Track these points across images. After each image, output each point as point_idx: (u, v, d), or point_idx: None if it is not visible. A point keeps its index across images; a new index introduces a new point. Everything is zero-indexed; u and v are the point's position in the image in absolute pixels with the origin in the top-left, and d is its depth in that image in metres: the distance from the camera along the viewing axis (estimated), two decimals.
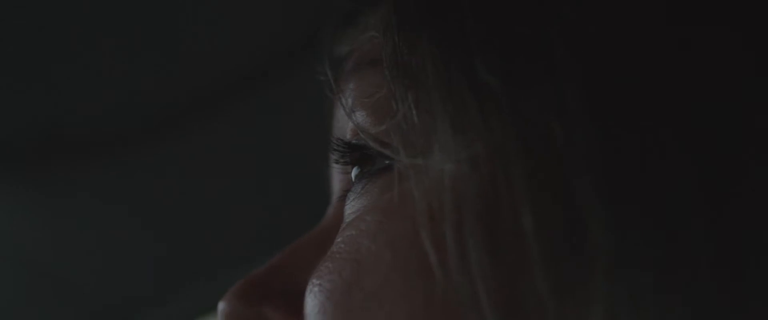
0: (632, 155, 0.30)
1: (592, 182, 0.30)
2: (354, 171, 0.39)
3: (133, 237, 0.82)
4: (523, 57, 0.32)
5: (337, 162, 0.40)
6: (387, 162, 0.37)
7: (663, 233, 0.29)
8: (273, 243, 0.81)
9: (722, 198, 0.30)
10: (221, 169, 0.79)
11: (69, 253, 0.82)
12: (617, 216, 0.30)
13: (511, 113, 0.32)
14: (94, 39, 0.67)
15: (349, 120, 0.38)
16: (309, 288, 0.37)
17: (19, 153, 0.75)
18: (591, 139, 0.31)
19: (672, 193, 0.30)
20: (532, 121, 0.31)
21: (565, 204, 0.30)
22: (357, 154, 0.39)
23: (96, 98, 0.72)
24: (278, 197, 0.81)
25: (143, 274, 0.85)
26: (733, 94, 0.30)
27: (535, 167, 0.31)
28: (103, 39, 0.67)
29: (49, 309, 0.84)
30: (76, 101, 0.72)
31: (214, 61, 0.70)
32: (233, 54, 0.69)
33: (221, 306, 0.40)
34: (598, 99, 0.31)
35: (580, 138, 0.30)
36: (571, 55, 0.31)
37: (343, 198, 0.40)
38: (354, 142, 0.39)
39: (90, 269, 0.83)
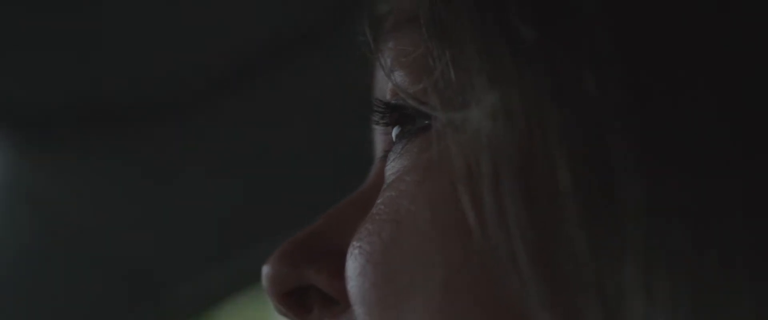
0: (665, 104, 0.30)
1: (625, 132, 0.30)
2: (394, 132, 0.39)
3: (170, 205, 0.84)
4: (557, 8, 0.32)
5: (377, 122, 0.40)
6: (426, 121, 0.37)
7: (697, 183, 0.29)
8: (302, 215, 0.82)
9: (757, 148, 0.29)
10: (258, 139, 0.80)
11: (106, 218, 0.84)
12: (651, 166, 0.30)
13: (545, 65, 0.32)
14: (132, 12, 0.68)
15: (388, 80, 0.38)
16: (350, 250, 0.37)
17: (58, 120, 0.77)
18: (624, 88, 0.30)
19: (706, 143, 0.29)
20: (566, 72, 0.31)
21: (600, 155, 0.30)
22: (396, 113, 0.39)
23: (133, 69, 0.73)
24: (310, 167, 0.82)
25: (180, 242, 0.86)
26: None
27: (569, 119, 0.31)
28: (139, 13, 0.68)
29: (87, 273, 0.86)
30: (114, 71, 0.73)
31: (249, 32, 0.70)
32: (267, 24, 0.70)
33: (265, 269, 0.40)
34: (630, 48, 0.31)
35: (613, 88, 0.30)
36: (603, 5, 0.31)
37: (384, 158, 0.40)
38: (393, 102, 0.39)
39: (126, 234, 0.85)
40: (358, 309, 0.36)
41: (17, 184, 0.81)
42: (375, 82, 0.42)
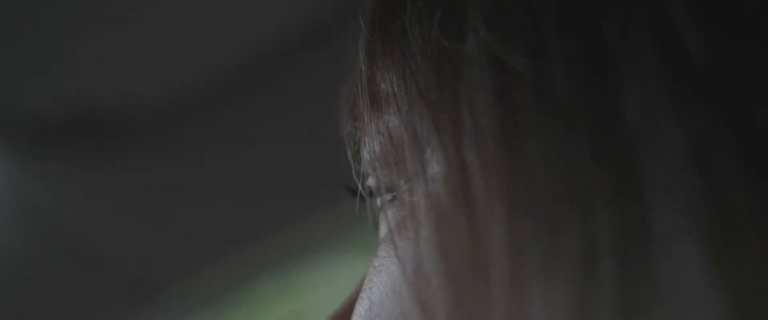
0: None
1: None
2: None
3: (165, 209, 0.84)
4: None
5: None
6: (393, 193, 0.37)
7: None
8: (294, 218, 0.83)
9: None
10: (252, 144, 0.80)
11: (102, 227, 0.84)
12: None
13: None
14: (131, 18, 0.67)
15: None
16: None
17: (53, 127, 0.76)
18: None
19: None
20: None
21: None
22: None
23: (131, 78, 0.73)
24: (314, 175, 0.82)
25: (173, 249, 0.86)
26: None
27: None
28: (138, 19, 0.67)
29: (82, 281, 0.86)
30: (110, 79, 0.73)
31: (245, 40, 0.70)
32: (265, 32, 0.69)
33: None
34: None
35: None
36: None
37: None
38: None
39: (122, 243, 0.85)
40: None
41: (13, 190, 0.81)
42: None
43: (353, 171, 0.38)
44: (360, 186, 0.37)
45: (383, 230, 0.36)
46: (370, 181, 0.37)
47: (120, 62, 0.73)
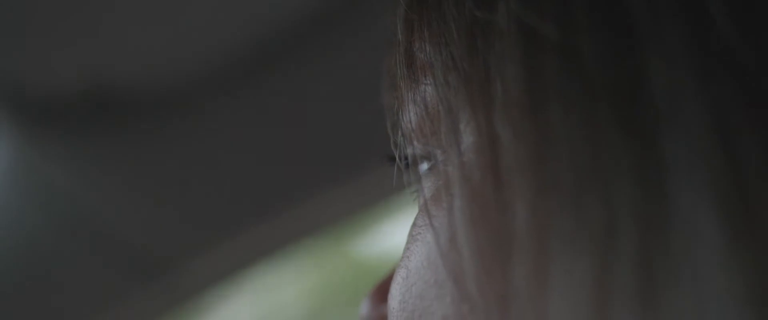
0: None
1: None
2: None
3: (175, 185, 0.85)
4: None
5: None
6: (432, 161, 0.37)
7: None
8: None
9: None
10: (263, 124, 0.80)
11: (111, 200, 0.85)
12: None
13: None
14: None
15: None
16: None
17: (63, 105, 0.77)
18: None
19: None
20: None
21: None
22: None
23: (144, 55, 0.74)
24: (313, 151, 0.82)
25: (184, 226, 0.87)
26: None
27: None
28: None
29: (93, 255, 0.88)
30: (121, 57, 0.74)
31: (256, 23, 0.70)
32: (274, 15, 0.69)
33: (361, 313, 0.42)
34: None
35: None
36: None
37: None
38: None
39: (133, 221, 0.86)
40: None
41: (23, 168, 0.83)
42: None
43: (392, 142, 0.38)
44: (397, 156, 0.37)
45: (420, 199, 0.36)
46: (408, 151, 0.37)
47: (133, 39, 0.73)
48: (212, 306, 1.01)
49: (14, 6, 0.67)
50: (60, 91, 0.76)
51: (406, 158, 0.38)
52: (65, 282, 0.88)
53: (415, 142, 0.36)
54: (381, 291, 0.41)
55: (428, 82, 0.35)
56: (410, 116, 0.36)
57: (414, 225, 0.37)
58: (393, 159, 0.38)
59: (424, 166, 0.37)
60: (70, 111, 0.78)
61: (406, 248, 0.37)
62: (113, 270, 0.89)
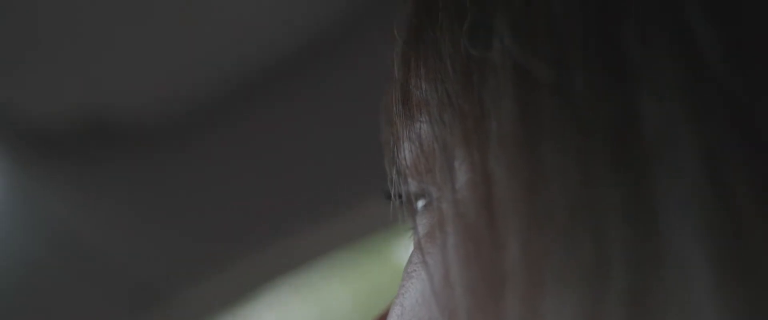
0: None
1: None
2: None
3: (171, 216, 0.85)
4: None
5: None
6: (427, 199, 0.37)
7: None
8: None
9: None
10: (258, 151, 0.80)
11: (107, 229, 0.85)
12: None
13: None
14: (139, 30, 0.68)
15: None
16: None
17: (60, 132, 0.78)
18: None
19: None
20: None
21: None
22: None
23: (139, 83, 0.74)
24: (311, 178, 0.82)
25: (180, 253, 0.87)
26: None
27: None
28: (147, 30, 0.68)
29: (88, 283, 0.87)
30: (117, 85, 0.74)
31: (252, 50, 0.70)
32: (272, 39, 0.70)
33: None
34: None
35: None
36: None
37: None
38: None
39: (127, 249, 0.85)
40: None
41: (19, 195, 0.83)
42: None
43: (388, 178, 0.38)
44: (392, 192, 0.37)
45: (415, 236, 0.36)
46: (404, 187, 0.37)
47: (129, 70, 0.74)
48: None
49: (13, 37, 0.68)
50: (57, 120, 0.77)
51: (401, 196, 0.38)
52: (58, 309, 0.88)
53: (410, 179, 0.36)
54: None
55: (424, 119, 0.35)
56: (405, 153, 0.36)
57: (409, 262, 0.37)
58: (390, 196, 0.38)
59: (420, 204, 0.37)
60: (65, 140, 0.78)
61: (402, 285, 0.37)
62: (107, 298, 0.88)
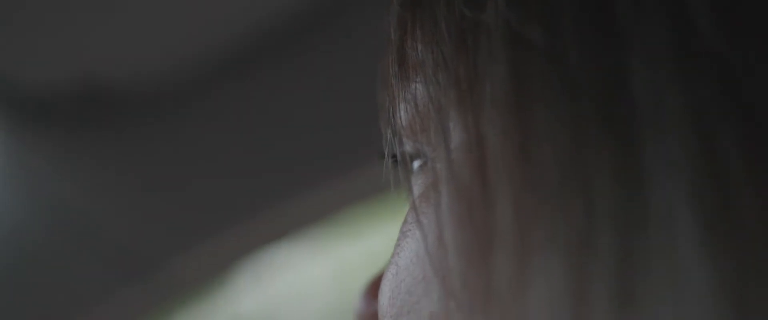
0: None
1: None
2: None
3: (160, 184, 0.85)
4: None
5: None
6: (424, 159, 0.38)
7: None
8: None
9: None
10: (247, 123, 0.81)
11: (96, 198, 0.85)
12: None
13: None
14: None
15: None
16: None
17: (53, 102, 0.77)
18: None
19: None
20: None
21: None
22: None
23: (136, 52, 0.74)
24: (298, 149, 0.82)
25: (175, 223, 0.87)
26: None
27: None
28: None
29: (78, 252, 0.88)
30: (112, 54, 0.74)
31: (247, 21, 0.70)
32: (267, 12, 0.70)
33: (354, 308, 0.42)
34: None
35: None
36: None
37: None
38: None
39: (119, 215, 0.86)
40: None
41: (12, 164, 0.83)
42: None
43: (384, 139, 0.38)
44: (387, 153, 0.38)
45: (410, 196, 0.37)
46: (400, 148, 0.38)
47: (124, 38, 0.73)
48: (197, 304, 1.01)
49: (6, 4, 0.67)
50: (50, 89, 0.76)
51: (396, 156, 0.38)
52: (52, 279, 0.88)
53: (406, 140, 0.37)
54: (374, 288, 0.41)
55: (419, 80, 0.36)
56: (401, 114, 0.37)
57: (404, 222, 0.37)
58: (384, 156, 0.39)
59: (415, 164, 0.37)
60: (59, 108, 0.78)
61: (397, 244, 0.37)
62: (100, 266, 0.88)
